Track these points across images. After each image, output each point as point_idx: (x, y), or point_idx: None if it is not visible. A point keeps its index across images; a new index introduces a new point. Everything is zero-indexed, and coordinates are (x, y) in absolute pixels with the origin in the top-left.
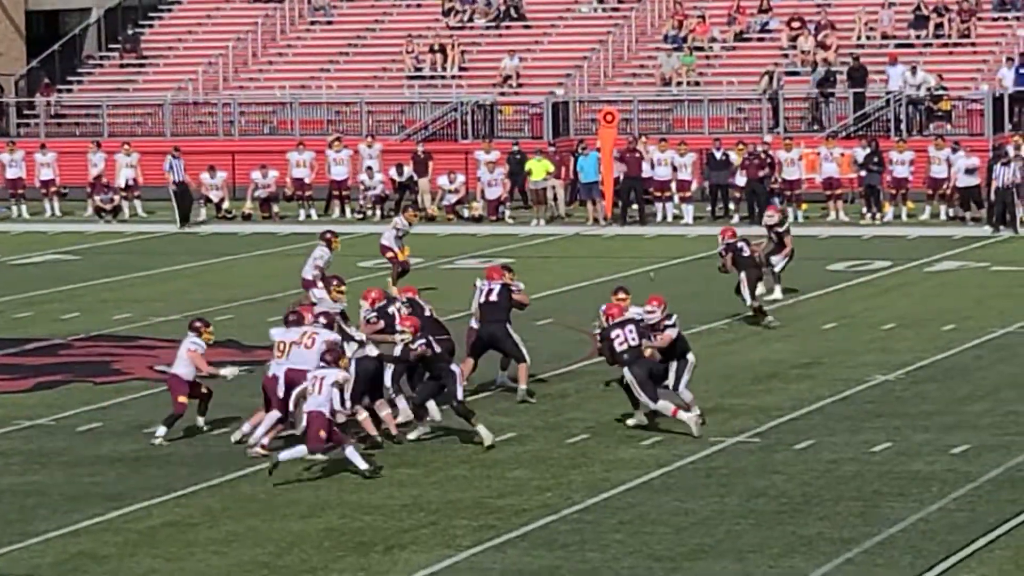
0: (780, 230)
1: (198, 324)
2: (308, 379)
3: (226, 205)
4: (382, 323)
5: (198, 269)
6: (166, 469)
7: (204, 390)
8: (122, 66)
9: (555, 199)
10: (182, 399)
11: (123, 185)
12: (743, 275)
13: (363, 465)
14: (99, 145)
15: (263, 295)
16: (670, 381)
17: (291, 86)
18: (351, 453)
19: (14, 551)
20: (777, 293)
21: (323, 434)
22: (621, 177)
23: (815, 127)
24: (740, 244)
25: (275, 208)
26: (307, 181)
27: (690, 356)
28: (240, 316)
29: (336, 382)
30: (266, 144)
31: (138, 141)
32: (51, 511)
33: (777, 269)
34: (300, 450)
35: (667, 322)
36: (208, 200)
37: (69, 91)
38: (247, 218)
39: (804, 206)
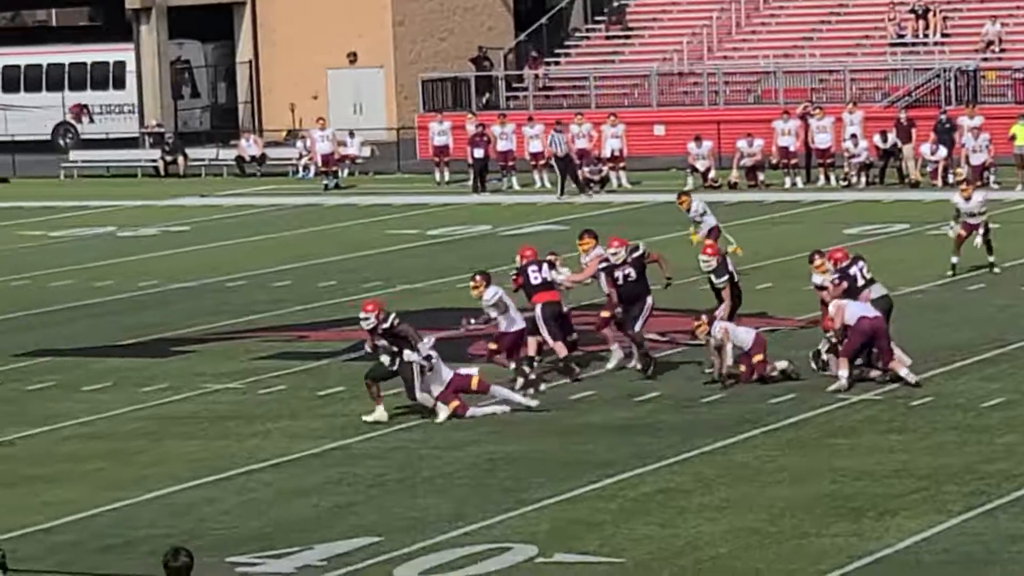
0: None
1: None
2: None
3: (712, 174)
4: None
5: (685, 237)
6: (657, 437)
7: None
8: (608, 38)
9: None
10: None
11: (609, 156)
12: None
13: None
14: (582, 116)
15: (750, 263)
16: None
17: (774, 55)
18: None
19: (511, 518)
20: None
21: None
22: None
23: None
24: None
25: (761, 176)
26: (792, 149)
27: None
28: None
29: None
30: (751, 113)
31: (624, 112)
32: (546, 479)
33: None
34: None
35: None
36: (694, 169)
37: (556, 64)
38: (733, 187)
39: None
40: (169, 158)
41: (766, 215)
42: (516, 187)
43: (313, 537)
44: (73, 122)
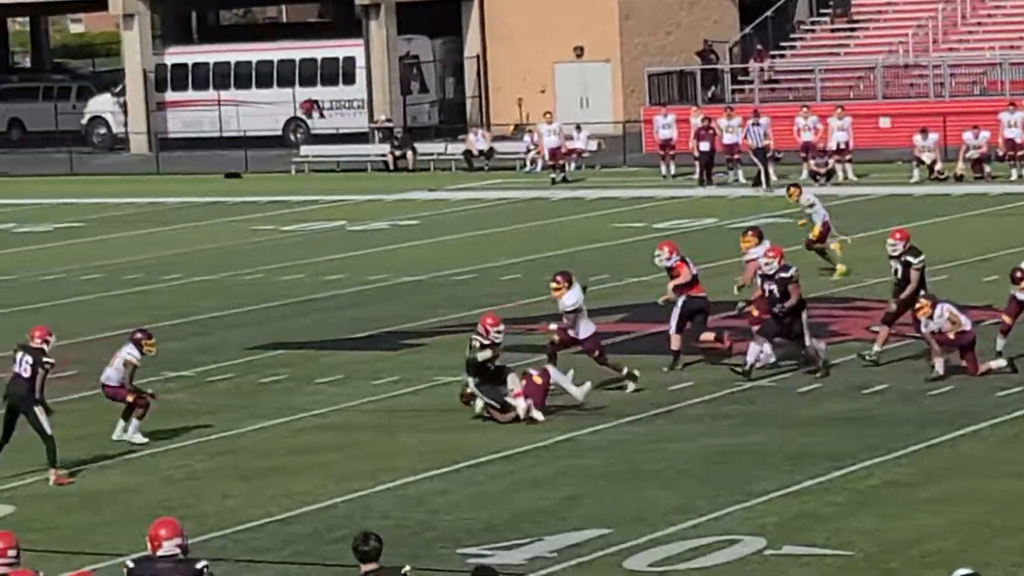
0: None
1: None
2: None
3: (938, 167)
4: None
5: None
6: (884, 429)
7: None
8: (833, 30)
9: None
10: None
11: (835, 148)
12: None
13: None
14: (808, 109)
15: (977, 255)
16: None
17: (1000, 46)
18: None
19: (739, 510)
20: None
21: None
22: None
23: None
24: None
25: (987, 169)
26: (1018, 141)
27: None
28: (955, 276)
29: None
30: (977, 105)
31: (850, 104)
32: (773, 471)
33: None
34: None
35: None
36: (920, 162)
37: (782, 56)
38: (959, 179)
39: None
40: (398, 153)
41: (992, 207)
42: (742, 180)
43: (543, 529)
44: (304, 117)
